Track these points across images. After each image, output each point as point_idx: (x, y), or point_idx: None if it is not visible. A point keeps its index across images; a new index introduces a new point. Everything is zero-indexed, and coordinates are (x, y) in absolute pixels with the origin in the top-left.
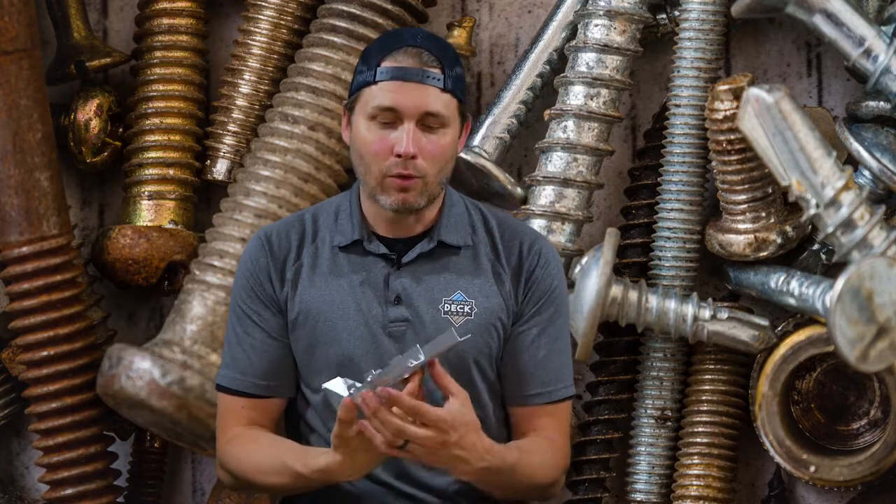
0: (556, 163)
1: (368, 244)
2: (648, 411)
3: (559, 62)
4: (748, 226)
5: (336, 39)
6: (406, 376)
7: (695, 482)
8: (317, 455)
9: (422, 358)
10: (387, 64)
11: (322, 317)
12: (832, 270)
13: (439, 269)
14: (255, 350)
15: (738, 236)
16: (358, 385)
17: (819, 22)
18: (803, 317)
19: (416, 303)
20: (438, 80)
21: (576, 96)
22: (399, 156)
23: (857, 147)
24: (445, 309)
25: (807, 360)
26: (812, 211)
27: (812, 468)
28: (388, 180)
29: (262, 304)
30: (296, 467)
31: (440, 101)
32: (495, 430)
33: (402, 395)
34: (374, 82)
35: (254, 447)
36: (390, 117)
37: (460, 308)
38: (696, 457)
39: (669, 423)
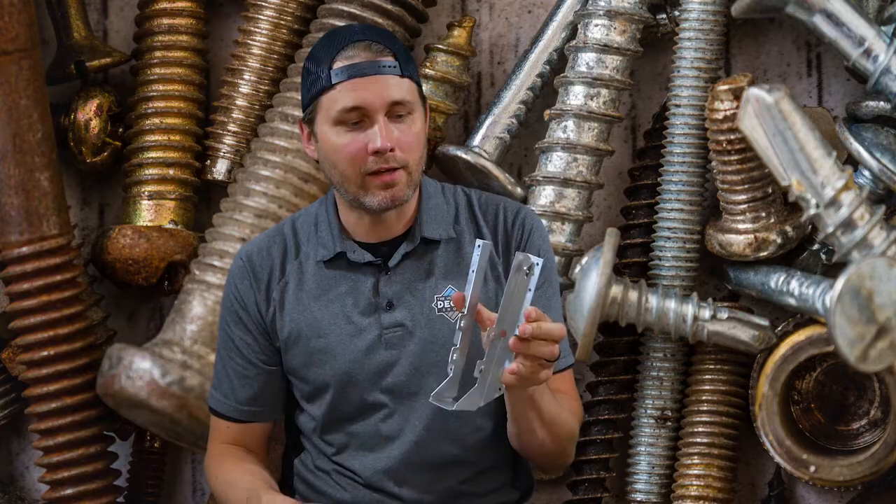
0: (556, 163)
1: (352, 254)
2: (648, 411)
3: (559, 62)
4: (748, 226)
5: None
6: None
7: (695, 482)
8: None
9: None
10: (339, 64)
11: (314, 334)
12: (832, 270)
13: (426, 267)
14: (238, 375)
15: (738, 236)
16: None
17: (819, 22)
18: (803, 317)
19: (409, 305)
20: (394, 67)
21: (576, 96)
22: (377, 152)
23: (857, 147)
24: (439, 306)
25: (807, 360)
26: (812, 211)
27: (812, 468)
28: (368, 180)
29: (245, 328)
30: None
31: (402, 89)
32: (499, 414)
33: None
34: (332, 86)
35: (231, 474)
36: (357, 117)
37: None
38: (696, 457)
39: (669, 423)
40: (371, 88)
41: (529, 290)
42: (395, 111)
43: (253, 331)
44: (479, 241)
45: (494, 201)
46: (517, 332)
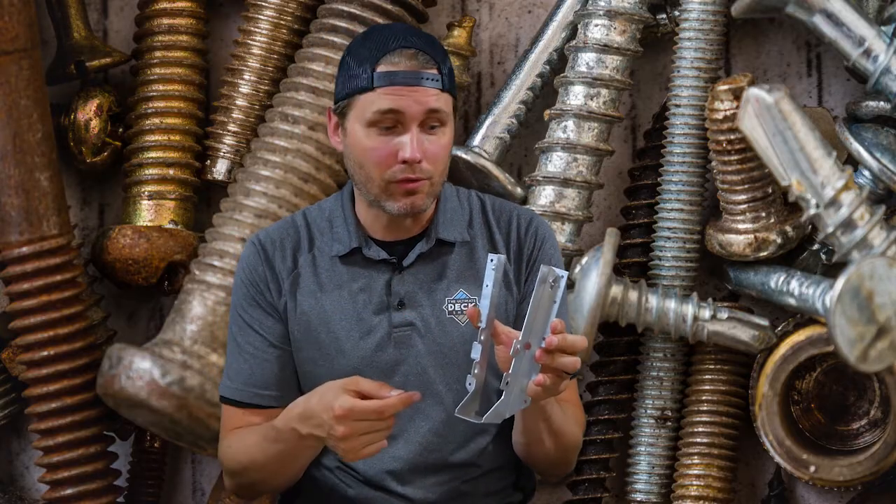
0: (556, 163)
1: (367, 251)
2: (648, 411)
3: (559, 62)
4: (748, 226)
5: (336, 39)
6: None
7: (695, 482)
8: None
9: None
10: (383, 68)
11: (324, 328)
12: (832, 270)
13: (439, 269)
14: (257, 360)
15: (738, 236)
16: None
17: (819, 22)
18: (803, 317)
19: (420, 305)
20: (437, 80)
21: (576, 96)
22: (405, 162)
23: (857, 147)
24: (450, 309)
25: (807, 360)
26: (812, 211)
27: (812, 468)
28: (393, 186)
29: (263, 311)
30: (272, 424)
31: (440, 101)
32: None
33: (565, 334)
34: (372, 88)
35: (245, 432)
36: (391, 121)
37: (464, 306)
38: (696, 457)
39: (669, 423)
40: (411, 96)
41: (555, 302)
42: (429, 122)
43: (270, 312)
44: (492, 256)
45: (508, 208)
46: (542, 345)
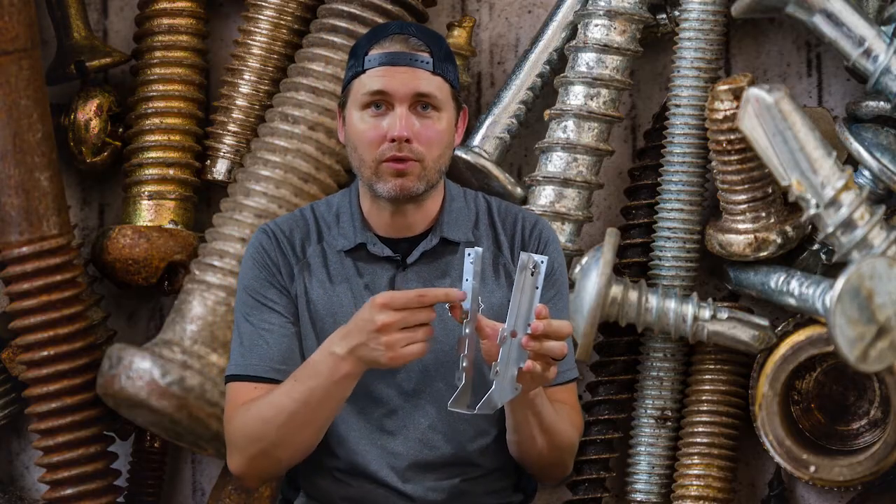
0: (556, 163)
1: (372, 247)
2: (648, 411)
3: (559, 62)
4: (748, 226)
5: (336, 39)
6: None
7: (695, 482)
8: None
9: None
10: (374, 52)
11: (330, 319)
12: (832, 270)
13: (443, 268)
14: (274, 335)
15: (738, 236)
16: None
17: (819, 22)
18: (803, 317)
19: None
20: (427, 62)
21: (576, 96)
22: (393, 140)
23: (857, 147)
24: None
25: (807, 360)
26: (812, 211)
27: (812, 468)
28: (383, 166)
29: (279, 291)
30: (305, 363)
31: (431, 83)
32: (502, 418)
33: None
34: (363, 71)
35: (267, 394)
36: (381, 102)
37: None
38: (696, 457)
39: (669, 423)
40: (398, 77)
41: (536, 288)
42: (420, 104)
43: (284, 293)
44: (468, 250)
45: (513, 210)
46: (528, 331)
